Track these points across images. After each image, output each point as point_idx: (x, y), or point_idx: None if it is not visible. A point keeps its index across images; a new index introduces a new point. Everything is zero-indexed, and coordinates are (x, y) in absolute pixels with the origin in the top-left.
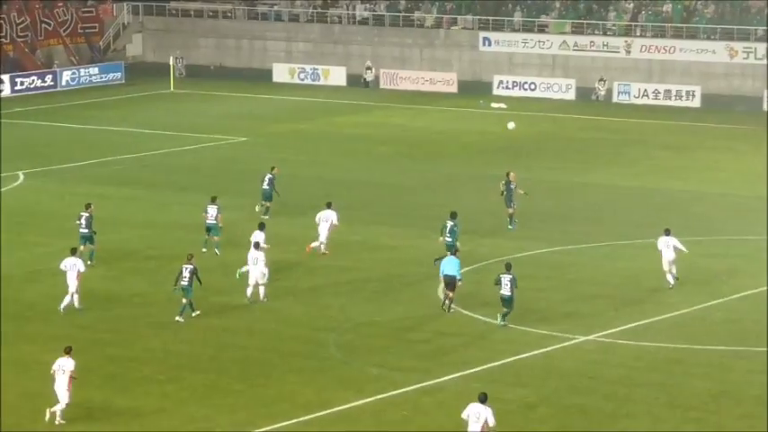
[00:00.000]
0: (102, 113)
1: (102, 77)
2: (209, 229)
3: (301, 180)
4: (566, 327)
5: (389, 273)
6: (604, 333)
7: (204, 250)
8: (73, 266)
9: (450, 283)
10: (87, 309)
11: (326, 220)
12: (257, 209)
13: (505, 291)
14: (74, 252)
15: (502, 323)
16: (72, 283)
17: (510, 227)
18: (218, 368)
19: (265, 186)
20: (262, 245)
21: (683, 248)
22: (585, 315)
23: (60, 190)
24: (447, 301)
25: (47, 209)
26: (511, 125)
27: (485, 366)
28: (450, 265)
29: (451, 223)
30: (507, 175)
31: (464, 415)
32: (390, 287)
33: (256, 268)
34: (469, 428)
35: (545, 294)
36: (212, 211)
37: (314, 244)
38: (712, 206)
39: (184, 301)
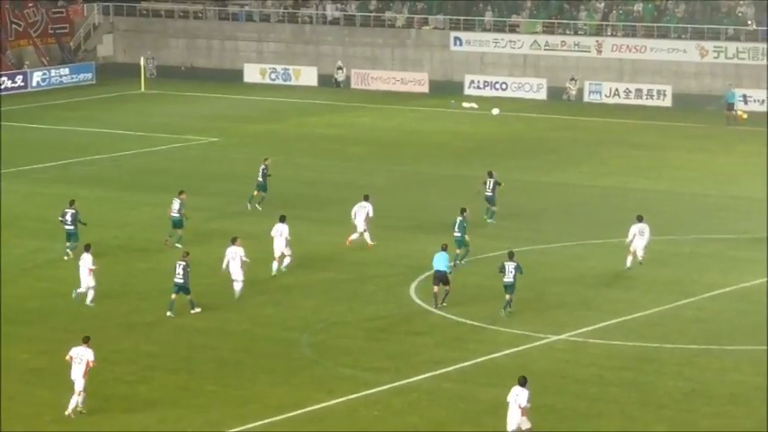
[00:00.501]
0: (72, 114)
1: (72, 78)
2: (173, 222)
3: (273, 181)
4: (537, 326)
5: (362, 273)
6: (576, 332)
7: (167, 240)
8: (85, 263)
9: (442, 277)
10: (58, 309)
11: (362, 210)
12: (248, 207)
13: (509, 278)
14: (87, 248)
15: (508, 311)
16: (84, 280)
17: (490, 219)
18: (190, 369)
19: (259, 179)
20: (286, 236)
21: (647, 238)
22: (557, 314)
23: (32, 191)
24: (437, 298)
25: (18, 210)
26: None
27: (457, 366)
28: (440, 261)
29: (460, 218)
30: (492, 174)
31: (509, 398)
32: (362, 287)
33: (235, 263)
34: (510, 410)
35: (516, 294)
36: (176, 204)
37: (353, 236)
38: (683, 205)
39: (173, 296)
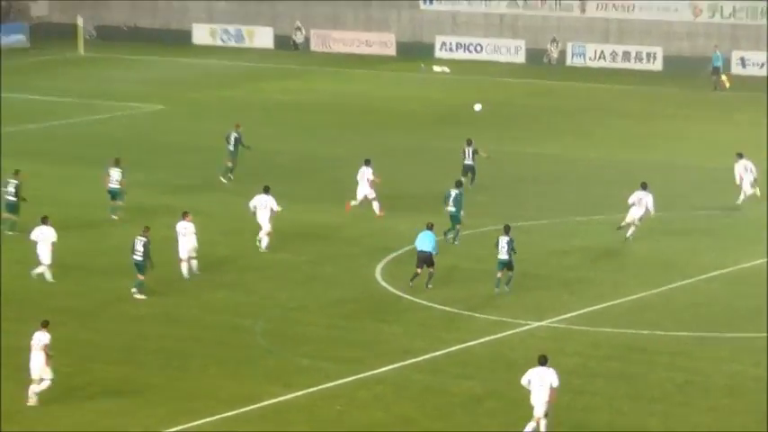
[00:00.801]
0: (4, 79)
1: (3, 40)
2: (112, 194)
3: (225, 152)
4: (516, 312)
5: (322, 253)
6: (558, 318)
7: (114, 217)
8: (44, 237)
9: (427, 259)
10: None
11: (362, 177)
12: (222, 178)
13: (503, 255)
14: (44, 221)
15: (498, 290)
16: (44, 255)
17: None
18: (133, 360)
19: (230, 147)
20: (274, 208)
21: (652, 209)
22: (537, 298)
23: None
24: (418, 278)
25: None
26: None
27: (427, 356)
28: (425, 241)
29: (456, 192)
30: (470, 142)
31: (524, 381)
32: (323, 269)
33: (186, 240)
34: (534, 393)
35: (493, 276)
36: (115, 174)
37: (353, 202)
38: (675, 179)
39: (140, 277)
